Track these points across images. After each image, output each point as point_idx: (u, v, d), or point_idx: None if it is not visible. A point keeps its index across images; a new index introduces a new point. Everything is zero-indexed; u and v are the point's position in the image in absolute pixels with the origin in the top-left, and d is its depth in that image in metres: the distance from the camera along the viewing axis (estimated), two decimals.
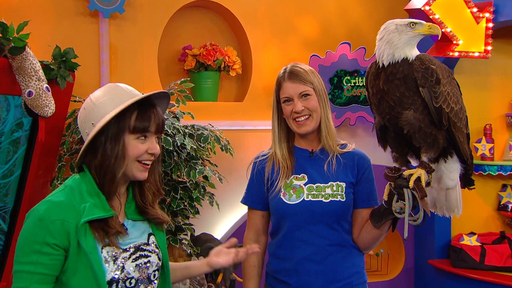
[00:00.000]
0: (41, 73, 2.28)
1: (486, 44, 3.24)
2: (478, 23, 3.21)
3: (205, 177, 2.73)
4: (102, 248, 1.30)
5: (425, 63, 1.53)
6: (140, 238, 1.41)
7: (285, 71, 1.76)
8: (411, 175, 1.54)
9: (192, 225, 2.78)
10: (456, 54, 3.21)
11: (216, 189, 2.84)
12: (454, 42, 3.16)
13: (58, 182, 2.54)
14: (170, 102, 2.70)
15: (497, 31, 3.30)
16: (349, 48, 3.45)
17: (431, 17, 3.09)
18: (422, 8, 3.09)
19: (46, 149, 2.43)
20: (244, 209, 3.21)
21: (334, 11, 3.62)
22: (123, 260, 1.33)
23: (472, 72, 3.60)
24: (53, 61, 2.47)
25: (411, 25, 1.56)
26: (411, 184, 1.51)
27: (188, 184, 2.67)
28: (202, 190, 2.71)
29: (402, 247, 3.73)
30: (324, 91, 1.77)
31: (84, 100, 2.69)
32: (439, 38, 1.61)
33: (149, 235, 1.44)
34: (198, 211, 2.79)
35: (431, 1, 3.09)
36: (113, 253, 1.32)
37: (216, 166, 2.89)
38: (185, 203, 2.67)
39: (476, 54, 3.25)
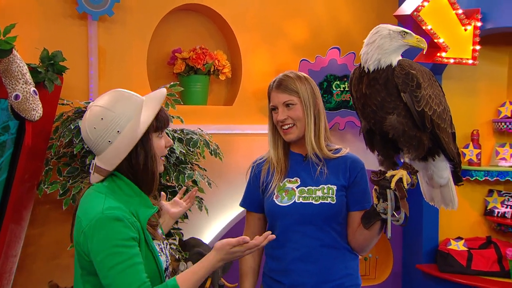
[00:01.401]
0: (28, 76, 2.25)
1: (474, 51, 3.28)
2: (466, 30, 3.24)
3: (194, 182, 2.72)
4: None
5: (405, 69, 1.56)
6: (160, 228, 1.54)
7: (274, 81, 1.81)
8: (393, 176, 1.56)
9: (180, 229, 2.77)
10: (444, 60, 3.24)
11: (205, 194, 2.83)
12: (442, 48, 3.19)
13: (45, 186, 2.52)
14: None
15: (484, 38, 3.34)
16: (339, 53, 3.47)
17: (419, 23, 3.12)
18: (411, 15, 3.11)
19: (32, 152, 2.41)
20: (232, 213, 3.22)
21: (324, 16, 3.64)
22: (165, 249, 1.49)
23: (460, 78, 3.64)
24: (40, 64, 2.44)
25: (402, 34, 1.59)
26: (392, 185, 1.54)
27: (177, 188, 2.66)
28: None
29: (390, 251, 3.75)
30: (314, 99, 1.78)
31: (72, 103, 2.68)
32: (423, 53, 1.65)
33: None
34: (186, 216, 2.77)
35: (420, 8, 3.12)
36: (159, 245, 1.46)
37: (205, 171, 2.88)
38: None
39: (464, 60, 3.28)
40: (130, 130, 1.37)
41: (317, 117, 1.78)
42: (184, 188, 1.86)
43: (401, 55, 1.65)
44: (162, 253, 1.46)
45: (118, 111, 1.38)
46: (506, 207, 3.58)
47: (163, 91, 1.47)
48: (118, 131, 1.37)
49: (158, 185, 1.47)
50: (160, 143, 1.45)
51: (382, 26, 1.61)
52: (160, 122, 1.43)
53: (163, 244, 1.50)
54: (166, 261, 1.48)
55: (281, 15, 3.51)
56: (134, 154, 1.38)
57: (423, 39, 1.62)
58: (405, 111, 1.56)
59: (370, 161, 1.89)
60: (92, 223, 1.31)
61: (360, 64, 1.64)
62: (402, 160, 1.67)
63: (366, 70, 1.60)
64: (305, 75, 1.82)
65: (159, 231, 1.49)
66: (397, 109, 1.56)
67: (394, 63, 1.58)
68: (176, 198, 1.79)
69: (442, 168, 1.69)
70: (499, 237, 3.63)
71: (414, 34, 1.61)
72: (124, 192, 1.39)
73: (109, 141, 1.37)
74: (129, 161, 1.39)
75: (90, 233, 1.31)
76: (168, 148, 1.49)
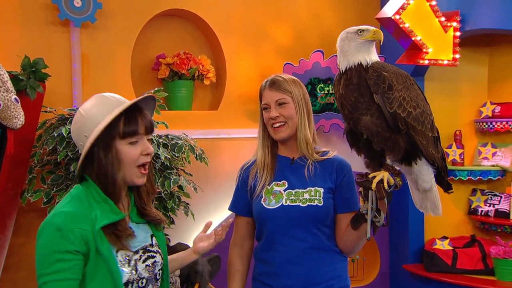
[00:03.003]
0: (9, 84, 2.23)
1: (454, 52, 3.33)
2: (446, 31, 3.29)
3: (180, 187, 2.71)
4: (117, 252, 1.38)
5: (377, 70, 1.59)
6: (145, 239, 1.49)
7: (267, 81, 1.84)
8: (374, 177, 1.58)
9: (167, 235, 2.75)
10: (426, 62, 3.29)
11: (191, 199, 2.83)
12: (424, 50, 3.24)
13: (29, 194, 2.49)
14: None
15: (464, 39, 3.39)
16: (322, 56, 3.49)
17: (401, 26, 3.16)
18: (393, 17, 3.15)
19: (15, 161, 2.38)
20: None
21: (307, 19, 3.66)
22: (135, 261, 1.41)
23: (442, 79, 3.69)
24: (22, 72, 2.42)
25: (358, 32, 1.63)
26: (373, 185, 1.55)
27: (162, 194, 2.65)
28: (177, 200, 2.70)
29: (377, 252, 3.78)
30: (305, 101, 1.82)
31: (55, 110, 2.66)
32: (381, 43, 1.67)
33: (151, 236, 1.52)
34: (173, 221, 2.77)
35: (401, 11, 3.16)
36: (126, 256, 1.40)
37: (191, 176, 2.87)
38: None
39: (445, 62, 3.33)
40: (93, 135, 1.38)
41: (309, 119, 1.82)
42: (210, 222, 1.78)
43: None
44: (128, 265, 1.39)
45: (89, 115, 1.40)
46: (489, 206, 3.63)
47: (123, 100, 1.44)
48: (85, 136, 1.39)
49: (120, 194, 1.42)
50: (130, 150, 1.40)
51: (344, 30, 1.67)
52: (128, 128, 1.40)
53: (137, 255, 1.42)
54: (134, 274, 1.40)
55: (264, 19, 3.53)
56: (96, 159, 1.38)
57: (380, 31, 1.63)
58: (379, 112, 1.58)
59: (356, 164, 1.90)
60: (41, 226, 1.34)
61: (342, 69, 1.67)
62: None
63: (340, 71, 1.66)
64: (297, 79, 1.85)
65: (129, 242, 1.40)
66: (370, 110, 1.58)
67: (365, 61, 1.61)
68: (202, 234, 1.73)
69: (424, 172, 1.69)
70: (483, 235, 3.68)
71: (371, 29, 1.63)
72: (93, 196, 1.39)
73: (81, 145, 1.41)
74: (92, 166, 1.39)
75: (37, 236, 1.33)
76: (148, 156, 1.43)
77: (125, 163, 1.40)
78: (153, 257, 1.47)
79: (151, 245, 1.49)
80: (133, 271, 1.40)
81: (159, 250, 1.51)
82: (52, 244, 1.30)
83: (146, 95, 1.48)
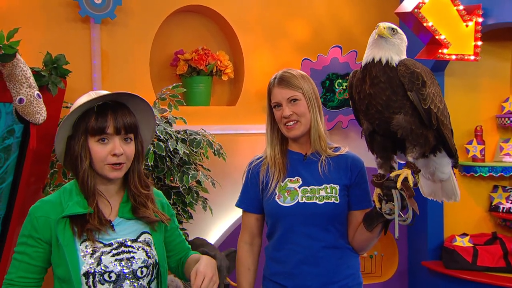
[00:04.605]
0: (32, 80, 2.27)
1: (476, 46, 3.27)
2: (467, 26, 3.24)
3: (198, 182, 2.73)
4: (81, 243, 1.39)
5: (410, 68, 1.56)
6: (128, 235, 1.46)
7: (275, 77, 1.79)
8: (398, 175, 1.56)
9: (185, 230, 2.78)
10: (446, 56, 3.24)
11: (209, 194, 2.85)
12: (444, 45, 3.19)
13: (51, 188, 2.54)
14: (162, 107, 2.73)
15: (486, 33, 3.33)
16: (341, 51, 3.47)
17: (420, 20, 3.12)
18: (412, 12, 3.11)
19: (38, 156, 2.42)
20: (237, 213, 3.22)
21: (325, 14, 3.64)
22: (102, 254, 1.40)
23: (463, 74, 3.63)
24: (44, 68, 2.46)
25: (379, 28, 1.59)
26: (398, 184, 1.54)
27: (181, 189, 2.67)
28: (195, 195, 2.72)
29: (395, 249, 3.75)
30: (315, 95, 1.78)
31: None
32: (375, 37, 1.60)
33: (143, 233, 1.48)
34: (191, 216, 2.79)
35: (420, 5, 3.12)
36: (93, 248, 1.40)
37: (209, 171, 2.89)
38: (178, 208, 2.67)
39: (466, 56, 3.28)
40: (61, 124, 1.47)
41: (320, 113, 1.78)
42: None
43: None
44: (91, 256, 1.38)
45: (71, 108, 1.47)
46: (511, 203, 3.57)
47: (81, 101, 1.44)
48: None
49: (90, 188, 1.42)
50: (98, 148, 1.41)
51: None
52: (96, 125, 1.40)
53: (107, 248, 1.41)
54: (97, 265, 1.38)
55: (282, 14, 3.52)
56: (70, 153, 1.43)
57: (379, 25, 1.59)
58: (412, 109, 1.56)
59: (372, 159, 1.89)
60: None
61: (361, 67, 1.63)
62: (398, 161, 1.68)
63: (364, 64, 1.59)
64: (305, 73, 1.81)
65: (96, 235, 1.40)
66: (403, 108, 1.56)
67: (390, 59, 1.56)
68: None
69: (444, 164, 1.69)
70: (505, 232, 3.62)
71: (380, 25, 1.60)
72: (75, 188, 1.44)
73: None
74: (65, 160, 1.48)
75: None
76: (116, 157, 1.41)
77: (93, 160, 1.41)
78: (129, 252, 1.43)
79: (134, 240, 1.45)
80: (95, 262, 1.38)
81: (146, 248, 1.46)
82: (23, 226, 1.42)
83: (123, 91, 1.45)
